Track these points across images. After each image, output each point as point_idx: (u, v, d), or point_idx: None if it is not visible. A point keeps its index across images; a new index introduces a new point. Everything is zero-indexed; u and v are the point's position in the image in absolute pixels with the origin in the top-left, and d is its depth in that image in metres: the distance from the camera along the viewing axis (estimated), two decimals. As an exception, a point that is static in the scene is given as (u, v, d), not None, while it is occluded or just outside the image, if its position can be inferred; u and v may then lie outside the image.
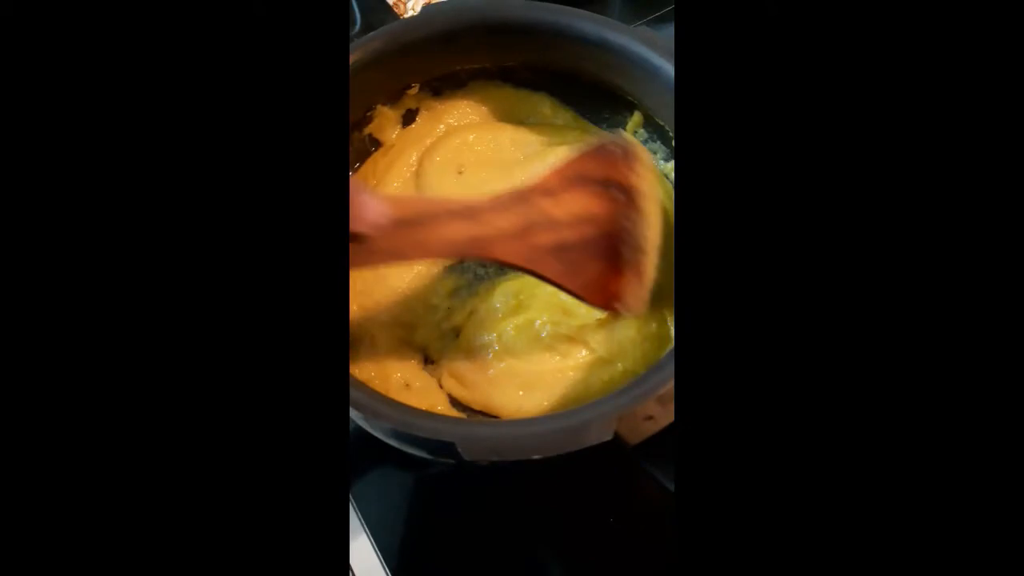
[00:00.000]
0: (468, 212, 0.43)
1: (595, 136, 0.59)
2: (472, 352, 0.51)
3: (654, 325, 0.50)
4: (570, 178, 0.46)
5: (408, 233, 0.41)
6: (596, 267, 0.46)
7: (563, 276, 0.45)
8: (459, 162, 0.58)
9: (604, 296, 0.46)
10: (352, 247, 0.37)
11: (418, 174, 0.58)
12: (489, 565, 0.50)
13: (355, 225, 0.37)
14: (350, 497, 0.52)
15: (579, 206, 0.45)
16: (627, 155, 0.46)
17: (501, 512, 0.52)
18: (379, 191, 0.56)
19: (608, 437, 0.37)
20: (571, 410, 0.41)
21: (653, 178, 0.47)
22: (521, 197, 0.44)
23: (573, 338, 0.50)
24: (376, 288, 0.53)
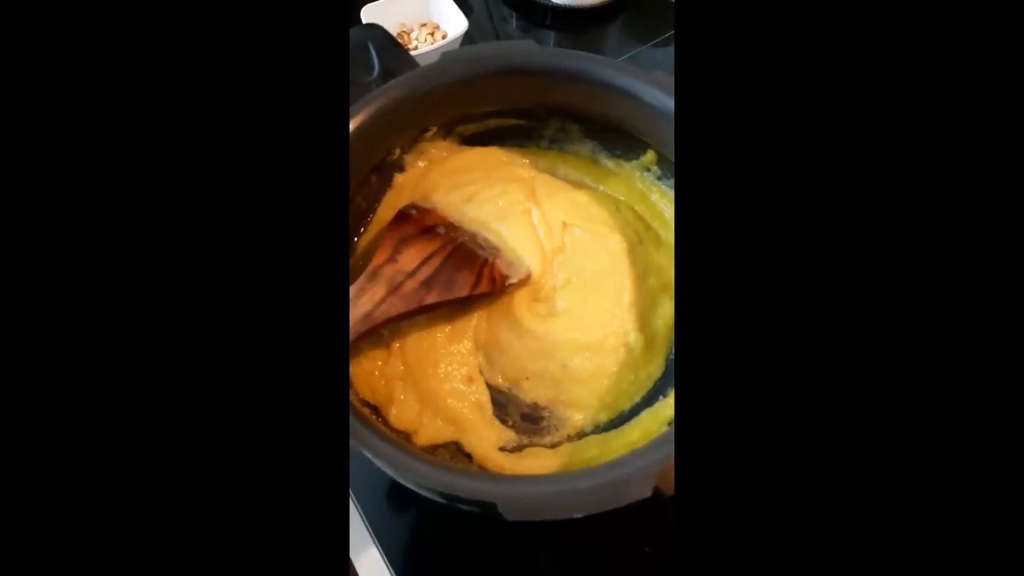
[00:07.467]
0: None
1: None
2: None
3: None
4: (396, 243, 0.54)
5: None
6: (465, 275, 0.54)
7: (442, 295, 0.52)
8: (467, 193, 0.59)
9: (491, 285, 0.54)
10: None
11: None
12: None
13: None
14: (360, 510, 0.54)
15: (419, 253, 0.54)
16: (421, 209, 0.56)
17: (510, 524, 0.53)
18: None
19: (647, 494, 0.38)
20: (610, 463, 0.41)
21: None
22: (371, 274, 0.52)
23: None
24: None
